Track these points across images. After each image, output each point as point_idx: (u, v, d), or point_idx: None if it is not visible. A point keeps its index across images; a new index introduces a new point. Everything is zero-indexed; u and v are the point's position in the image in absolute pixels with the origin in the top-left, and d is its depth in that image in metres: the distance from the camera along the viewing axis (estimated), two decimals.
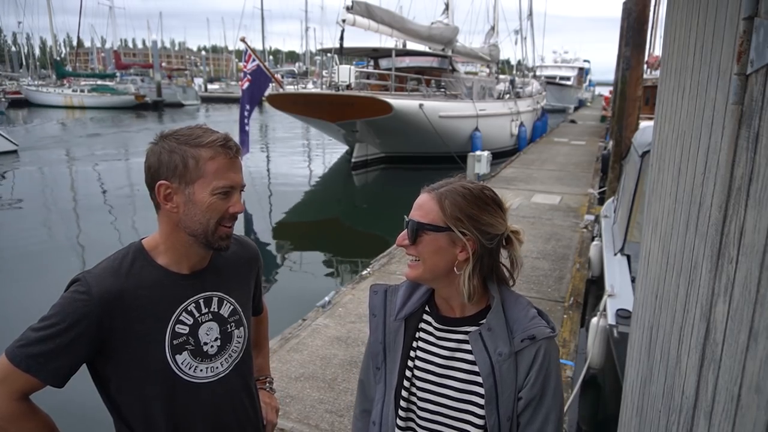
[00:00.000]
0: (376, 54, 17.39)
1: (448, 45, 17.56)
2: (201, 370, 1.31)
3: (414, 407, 1.23)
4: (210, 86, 61.73)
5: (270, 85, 11.03)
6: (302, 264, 8.46)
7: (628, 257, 4.67)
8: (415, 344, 1.25)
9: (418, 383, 1.22)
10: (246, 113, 9.69)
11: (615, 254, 4.89)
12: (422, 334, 1.25)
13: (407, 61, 17.70)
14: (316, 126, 16.63)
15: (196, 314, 1.31)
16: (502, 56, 24.76)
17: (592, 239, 6.61)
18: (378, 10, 14.93)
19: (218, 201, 1.23)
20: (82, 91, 41.48)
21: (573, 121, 29.95)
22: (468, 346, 1.18)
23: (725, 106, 1.06)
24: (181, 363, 1.28)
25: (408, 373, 1.23)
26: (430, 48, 17.53)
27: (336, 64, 15.00)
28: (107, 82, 45.28)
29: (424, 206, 1.15)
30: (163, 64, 54.38)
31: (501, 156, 16.44)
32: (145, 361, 1.24)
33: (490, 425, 1.13)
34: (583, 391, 3.92)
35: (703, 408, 1.07)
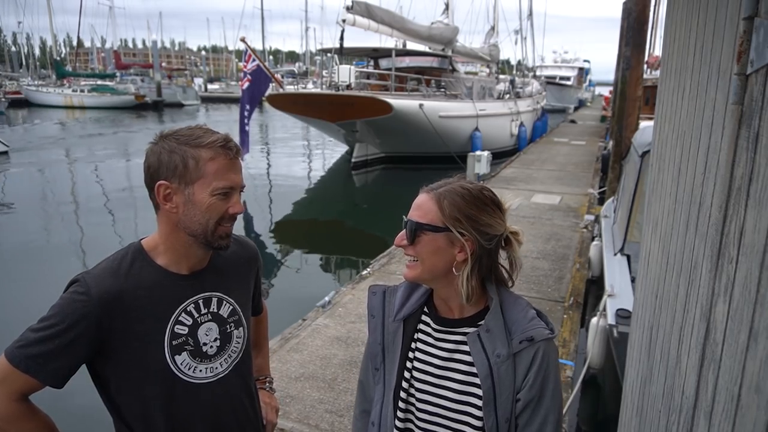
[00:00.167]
0: (376, 54, 17.39)
1: (448, 45, 17.56)
2: (200, 371, 1.31)
3: (413, 408, 1.23)
4: (210, 86, 61.73)
5: (270, 85, 11.02)
6: (302, 264, 8.45)
7: (628, 257, 4.67)
8: (413, 345, 1.24)
9: (417, 384, 1.22)
10: (246, 113, 9.69)
11: (615, 254, 4.89)
12: (421, 335, 1.24)
13: (407, 61, 17.70)
14: (316, 126, 16.63)
15: (196, 315, 1.31)
16: (502, 56, 24.78)
17: (592, 239, 6.61)
18: (378, 10, 14.92)
19: (218, 201, 1.23)
20: (82, 91, 41.47)
21: (573, 121, 29.95)
22: (466, 348, 1.17)
23: (725, 106, 1.06)
24: (181, 363, 1.28)
25: (407, 374, 1.23)
26: (430, 48, 17.53)
27: (336, 64, 14.99)
28: (107, 82, 45.27)
29: (423, 206, 1.15)
30: (163, 64, 54.36)
31: (501, 156, 16.44)
32: (145, 362, 1.24)
33: (488, 426, 1.13)
34: (583, 391, 3.92)
35: (703, 408, 1.07)
